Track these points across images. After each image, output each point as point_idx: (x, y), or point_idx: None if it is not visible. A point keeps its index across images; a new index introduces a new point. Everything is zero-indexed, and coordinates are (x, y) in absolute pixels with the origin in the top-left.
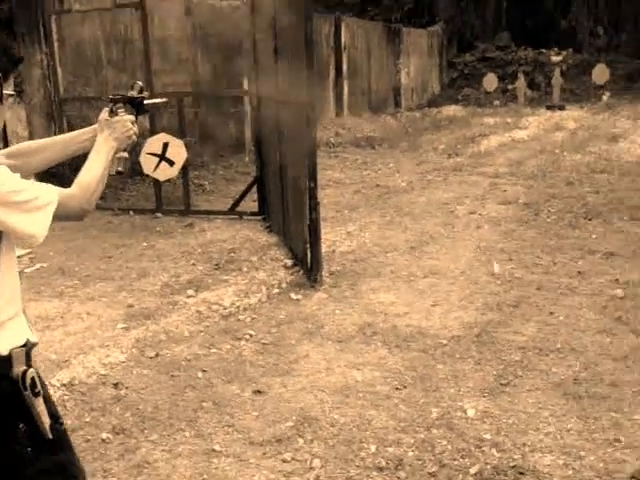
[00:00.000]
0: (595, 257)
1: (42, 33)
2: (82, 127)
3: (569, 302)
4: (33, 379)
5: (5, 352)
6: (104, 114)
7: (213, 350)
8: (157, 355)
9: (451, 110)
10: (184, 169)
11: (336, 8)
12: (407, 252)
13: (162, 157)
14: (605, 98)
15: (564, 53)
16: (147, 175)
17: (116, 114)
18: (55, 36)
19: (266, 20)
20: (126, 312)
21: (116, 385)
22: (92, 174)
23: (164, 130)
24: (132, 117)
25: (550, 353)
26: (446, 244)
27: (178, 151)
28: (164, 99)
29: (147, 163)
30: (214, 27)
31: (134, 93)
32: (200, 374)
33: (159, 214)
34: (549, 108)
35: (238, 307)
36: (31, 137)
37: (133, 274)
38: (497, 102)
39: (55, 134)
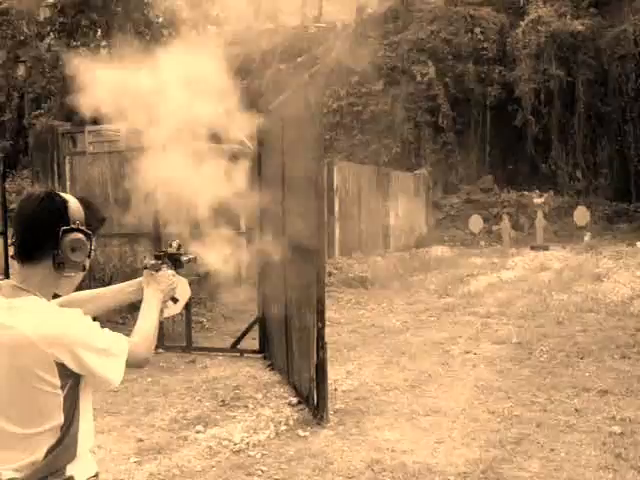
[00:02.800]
0: (590, 395)
1: (56, 172)
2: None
3: (569, 439)
4: None
5: None
6: (148, 270)
7: None
8: None
9: (439, 250)
10: (186, 306)
11: (327, 151)
12: (407, 391)
13: None
14: (587, 239)
15: (545, 195)
16: None
17: (160, 269)
18: (67, 175)
19: (273, 164)
20: (137, 446)
21: None
22: (149, 325)
23: None
24: (173, 271)
25: None
26: (444, 383)
27: (183, 288)
28: (194, 255)
29: None
30: (215, 169)
31: (173, 250)
32: None
33: (161, 349)
34: (533, 248)
35: (248, 443)
36: None
37: (140, 409)
38: (483, 243)
39: None
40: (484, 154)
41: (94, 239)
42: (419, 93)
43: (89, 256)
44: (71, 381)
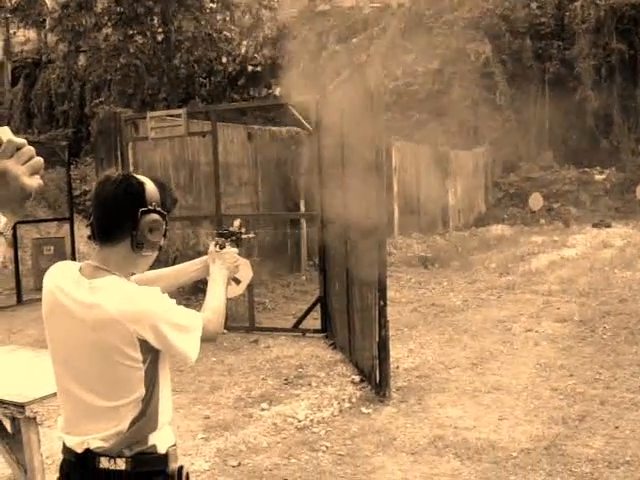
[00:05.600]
0: None
1: (119, 158)
2: None
3: (634, 416)
4: (188, 474)
5: (163, 450)
6: (213, 247)
7: (293, 460)
8: (239, 464)
9: (499, 229)
10: (249, 287)
11: (384, 132)
12: (469, 368)
13: None
14: None
15: (607, 172)
16: None
17: (224, 247)
18: (130, 160)
19: (332, 147)
20: (204, 423)
21: None
22: (219, 300)
23: None
24: (236, 249)
25: (620, 466)
26: (506, 361)
27: (245, 270)
28: (253, 235)
29: None
30: (274, 152)
31: (235, 229)
32: None
33: (224, 330)
34: (595, 226)
35: (312, 420)
36: None
37: (206, 387)
38: (543, 221)
39: None
40: (543, 131)
41: (168, 219)
42: (476, 71)
43: (164, 236)
44: (152, 355)
